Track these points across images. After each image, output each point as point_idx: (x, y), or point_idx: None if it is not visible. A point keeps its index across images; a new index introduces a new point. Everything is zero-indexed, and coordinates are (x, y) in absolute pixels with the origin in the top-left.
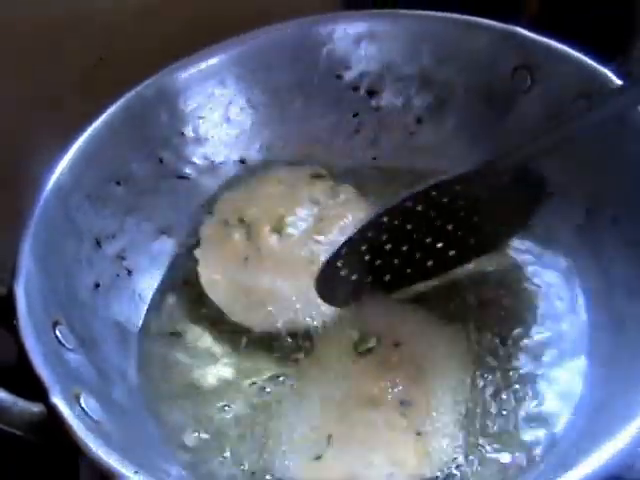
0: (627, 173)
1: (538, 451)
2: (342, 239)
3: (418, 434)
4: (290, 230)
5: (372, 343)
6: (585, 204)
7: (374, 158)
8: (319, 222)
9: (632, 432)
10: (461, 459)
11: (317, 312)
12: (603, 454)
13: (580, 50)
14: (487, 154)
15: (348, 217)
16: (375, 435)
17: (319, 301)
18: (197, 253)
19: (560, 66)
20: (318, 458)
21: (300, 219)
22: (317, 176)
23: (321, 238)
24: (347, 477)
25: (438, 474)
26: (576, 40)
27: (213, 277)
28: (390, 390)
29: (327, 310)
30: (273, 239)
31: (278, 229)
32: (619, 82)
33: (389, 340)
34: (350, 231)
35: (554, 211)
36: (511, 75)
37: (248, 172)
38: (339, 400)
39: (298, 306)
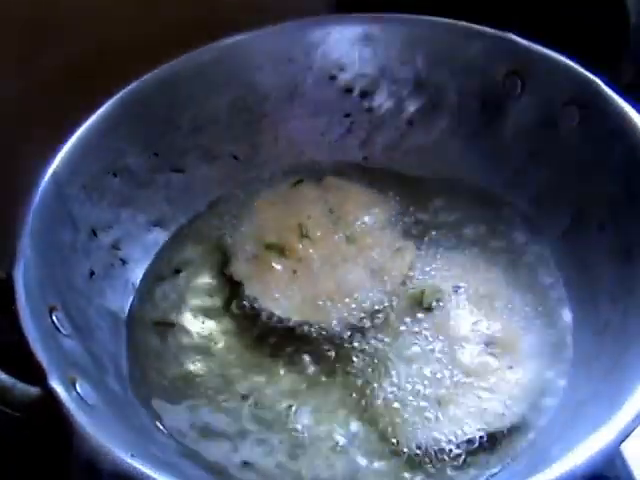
0: (614, 180)
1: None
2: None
3: (510, 367)
4: (314, 231)
5: (436, 295)
6: (571, 210)
7: (365, 158)
8: (332, 213)
9: (612, 431)
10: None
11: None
12: (583, 452)
13: (572, 58)
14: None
15: (351, 197)
16: (476, 383)
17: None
18: (250, 292)
19: (551, 72)
20: (436, 419)
21: (314, 218)
22: (298, 182)
23: (345, 219)
24: (470, 429)
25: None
26: (568, 49)
27: (280, 302)
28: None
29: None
30: (307, 245)
31: (305, 235)
32: (608, 89)
33: (448, 287)
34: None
35: (540, 213)
36: (503, 80)
37: (242, 170)
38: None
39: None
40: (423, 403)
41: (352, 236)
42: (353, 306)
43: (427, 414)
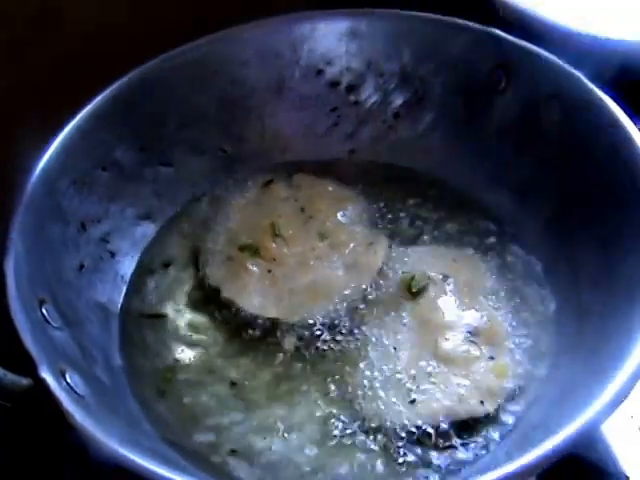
0: (596, 172)
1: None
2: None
3: (491, 358)
4: (286, 230)
5: (424, 281)
6: (554, 201)
7: (352, 151)
8: (302, 211)
9: (591, 414)
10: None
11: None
12: (565, 432)
13: None
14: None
15: (322, 194)
16: (456, 370)
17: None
18: (227, 294)
19: (534, 67)
20: (412, 402)
21: (285, 217)
22: (268, 182)
23: (317, 217)
24: (446, 413)
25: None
26: None
27: (256, 302)
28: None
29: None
30: (279, 244)
31: (277, 234)
32: (590, 84)
33: (437, 275)
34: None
35: (524, 206)
36: (487, 74)
37: (230, 163)
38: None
39: (344, 281)
40: (402, 388)
41: (324, 233)
42: (328, 301)
43: (405, 399)
